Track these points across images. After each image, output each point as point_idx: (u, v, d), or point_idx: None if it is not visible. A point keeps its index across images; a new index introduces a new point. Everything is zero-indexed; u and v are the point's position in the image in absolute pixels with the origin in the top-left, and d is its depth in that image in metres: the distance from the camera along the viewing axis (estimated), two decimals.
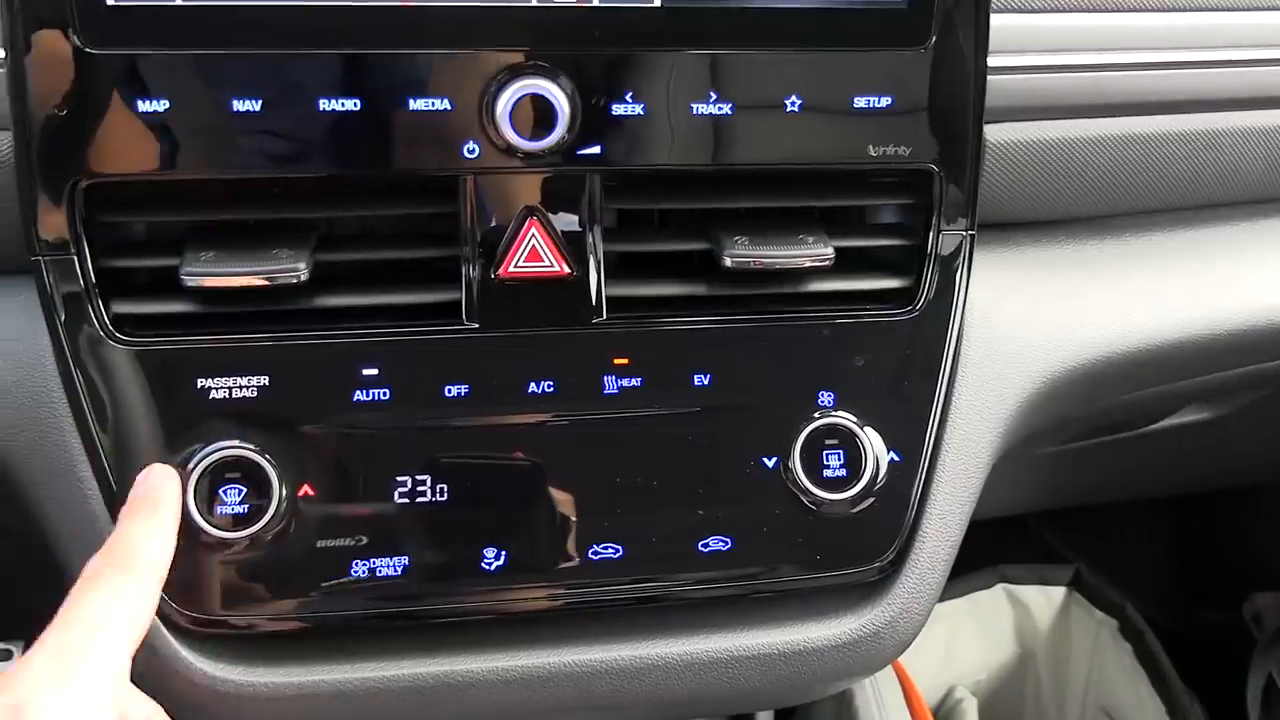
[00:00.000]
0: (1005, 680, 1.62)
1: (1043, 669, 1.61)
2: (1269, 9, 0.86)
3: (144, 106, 0.68)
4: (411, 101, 0.70)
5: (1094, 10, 0.82)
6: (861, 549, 0.78)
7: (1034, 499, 1.53)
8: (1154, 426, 1.17)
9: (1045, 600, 1.61)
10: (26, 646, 1.49)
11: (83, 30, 0.67)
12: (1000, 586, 1.61)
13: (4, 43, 0.68)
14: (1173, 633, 1.57)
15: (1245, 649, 1.57)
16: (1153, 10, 0.83)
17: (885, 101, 0.75)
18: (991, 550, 1.64)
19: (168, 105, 0.68)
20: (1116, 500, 1.65)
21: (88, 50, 0.67)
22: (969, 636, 1.59)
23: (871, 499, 0.77)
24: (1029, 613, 1.61)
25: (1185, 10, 0.84)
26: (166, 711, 0.68)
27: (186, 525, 0.70)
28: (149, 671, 0.72)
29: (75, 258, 0.71)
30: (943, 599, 1.55)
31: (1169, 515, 1.88)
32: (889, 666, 1.35)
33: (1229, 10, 0.85)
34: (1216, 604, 1.74)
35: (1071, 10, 0.82)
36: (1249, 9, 0.85)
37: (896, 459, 0.78)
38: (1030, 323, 0.85)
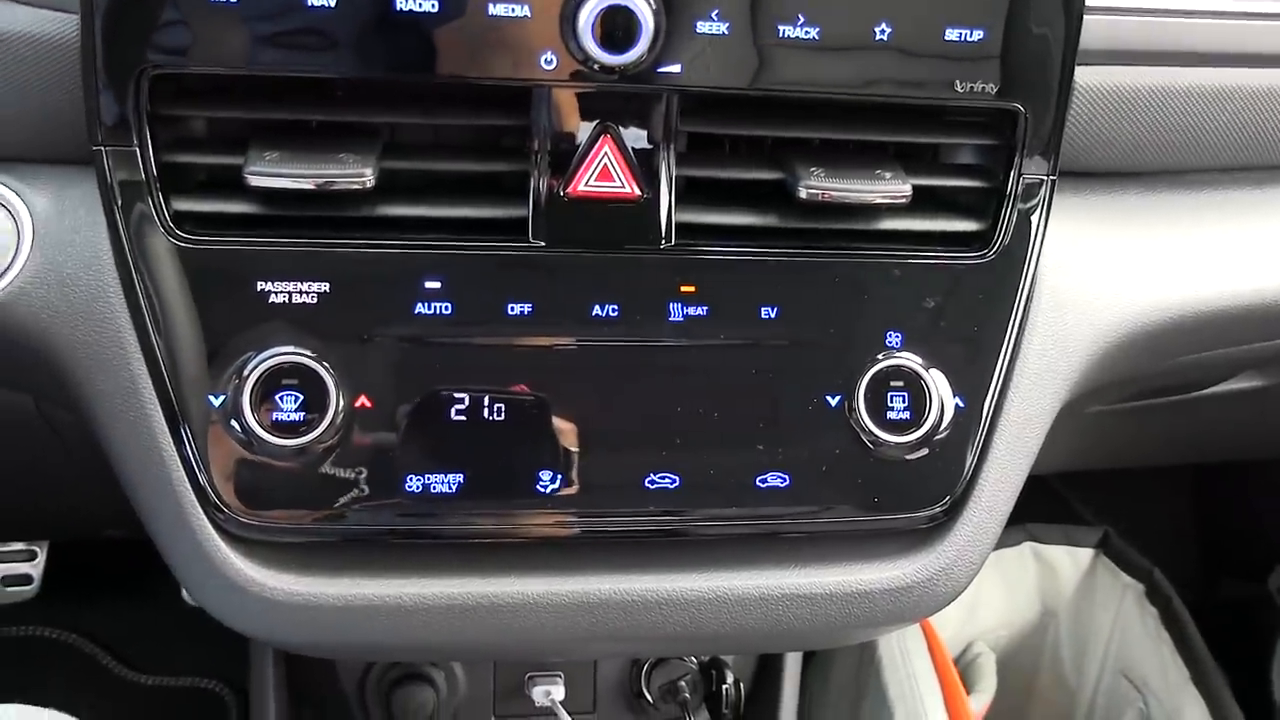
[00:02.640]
0: (1026, 638, 1.62)
1: (1064, 629, 1.61)
2: None
3: None
4: (491, 6, 0.68)
5: None
6: (920, 493, 0.77)
7: (1063, 460, 1.51)
8: (1206, 391, 1.15)
9: (1071, 561, 1.60)
10: (52, 548, 1.50)
11: None
12: (1027, 545, 1.60)
13: None
14: (1194, 602, 1.56)
15: (1269, 620, 1.56)
16: None
17: (977, 35, 0.73)
18: (1017, 509, 1.63)
19: None
20: (1147, 465, 1.64)
21: None
22: (993, 593, 1.58)
23: (933, 444, 0.76)
24: (1054, 573, 1.60)
25: None
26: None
27: (241, 430, 0.69)
28: (198, 577, 0.72)
29: (137, 150, 0.69)
30: None
31: (1194, 484, 1.87)
32: None
33: None
34: (1240, 574, 1.74)
35: None
36: None
37: (961, 405, 0.77)
38: (1104, 276, 0.83)
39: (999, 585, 1.59)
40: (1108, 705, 1.53)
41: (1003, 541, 1.57)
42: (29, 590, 1.50)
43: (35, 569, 1.50)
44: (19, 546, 1.49)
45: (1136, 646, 1.49)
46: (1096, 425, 1.29)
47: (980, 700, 1.43)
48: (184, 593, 1.59)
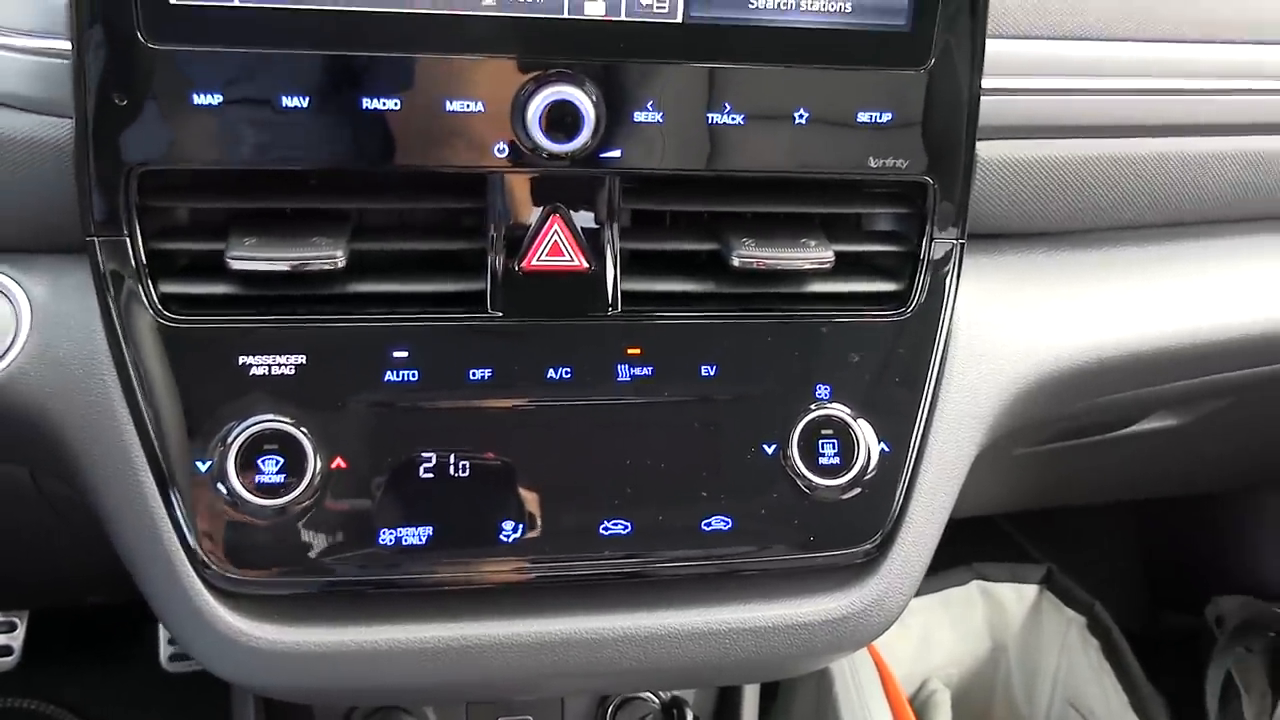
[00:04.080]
0: (978, 673, 1.69)
1: (1014, 663, 1.68)
2: (1235, 43, 0.93)
3: (199, 100, 0.73)
4: (448, 103, 0.75)
5: (1081, 39, 0.88)
6: (852, 531, 0.84)
7: (1008, 500, 1.59)
8: (1124, 431, 1.23)
9: (1018, 597, 1.67)
10: (31, 618, 1.54)
11: (146, 26, 0.71)
12: (975, 583, 1.68)
13: (70, 35, 0.72)
14: (1139, 633, 1.64)
15: (1207, 649, 1.64)
16: (1133, 41, 0.90)
17: (886, 117, 0.81)
18: (966, 549, 1.71)
19: (221, 99, 0.73)
20: (1088, 503, 1.72)
21: (150, 45, 0.71)
22: (944, 631, 1.65)
23: (862, 486, 0.83)
24: (1002, 609, 1.68)
25: (1160, 42, 0.90)
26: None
27: (226, 492, 0.75)
28: (190, 630, 0.78)
29: (127, 240, 0.76)
30: (919, 594, 1.61)
31: (1136, 520, 1.95)
32: (868, 657, 1.41)
33: (1200, 44, 0.92)
34: (1181, 607, 1.81)
35: (1060, 39, 0.88)
36: (1218, 42, 0.92)
37: (886, 449, 0.84)
38: (1013, 328, 0.91)
39: (950, 623, 1.66)
40: None
41: (951, 580, 1.66)
42: (9, 661, 1.53)
43: (15, 640, 1.53)
44: None
45: (1081, 677, 1.57)
46: (1035, 467, 1.38)
47: None
48: (161, 658, 1.64)
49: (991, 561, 1.70)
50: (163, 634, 1.62)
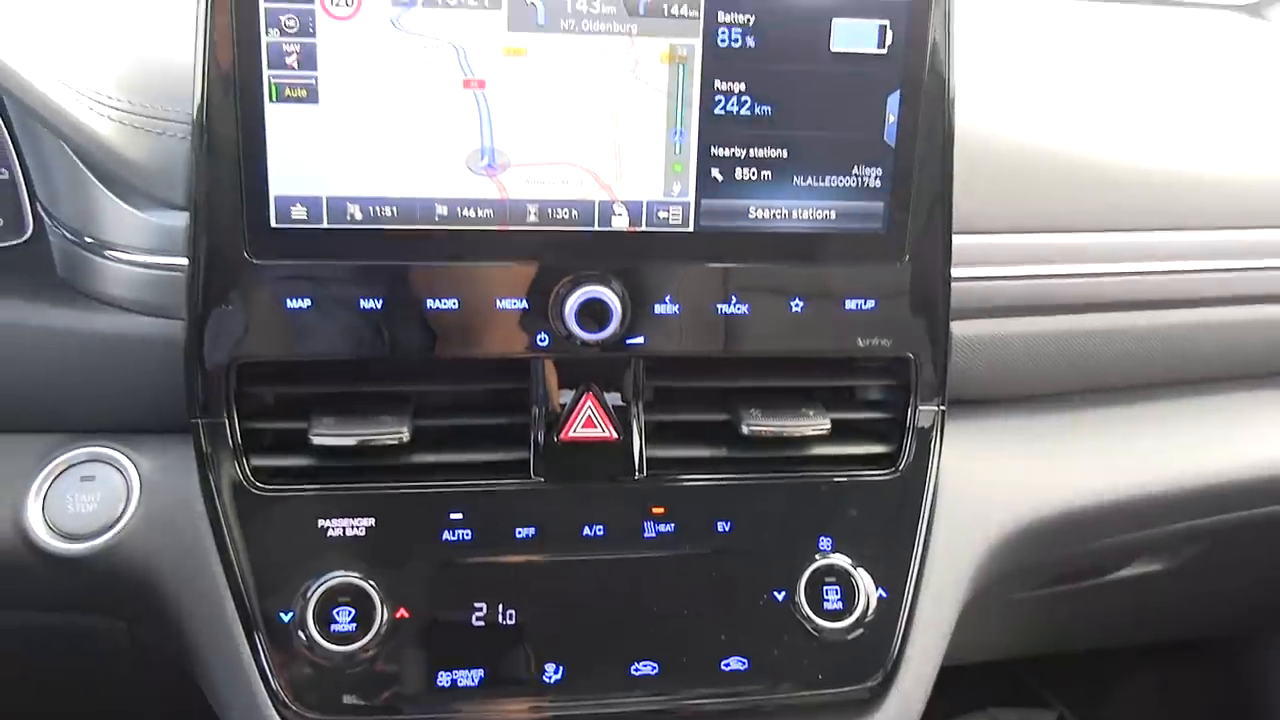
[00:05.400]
0: None
1: None
2: (1168, 229, 1.07)
3: (291, 304, 0.87)
4: (498, 301, 0.89)
5: (1034, 231, 1.02)
6: (856, 670, 0.94)
7: (1018, 645, 1.66)
8: (1115, 576, 1.32)
9: None
10: None
11: (250, 245, 0.85)
12: None
13: (186, 253, 0.86)
14: None
15: None
16: (1082, 231, 1.04)
17: (870, 304, 0.94)
18: (981, 695, 1.77)
19: (310, 303, 0.87)
20: (1099, 647, 1.78)
21: (253, 261, 0.86)
22: None
23: (864, 628, 0.93)
24: None
25: (1106, 231, 1.04)
26: None
27: (305, 640, 0.86)
28: None
29: (225, 421, 0.89)
30: None
31: (1151, 663, 2.00)
32: None
33: (1137, 230, 1.06)
34: None
35: (1016, 232, 1.02)
36: (1154, 229, 1.06)
37: (884, 595, 0.94)
38: (994, 483, 1.02)
39: None
40: None
41: None
42: None
43: None
44: None
45: None
46: (1037, 611, 1.46)
47: None
48: None
49: (1006, 706, 1.76)
50: None
